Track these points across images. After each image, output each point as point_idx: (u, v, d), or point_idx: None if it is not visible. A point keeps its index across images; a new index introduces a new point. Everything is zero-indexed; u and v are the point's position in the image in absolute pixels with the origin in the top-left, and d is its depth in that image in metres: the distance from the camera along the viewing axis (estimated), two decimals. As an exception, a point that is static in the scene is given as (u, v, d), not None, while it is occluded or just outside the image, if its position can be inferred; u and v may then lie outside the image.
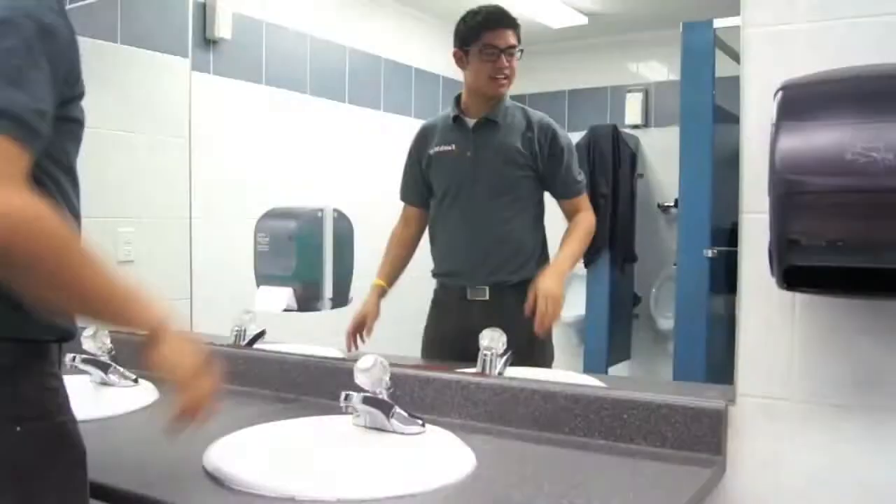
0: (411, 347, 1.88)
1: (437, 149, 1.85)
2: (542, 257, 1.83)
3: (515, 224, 1.80)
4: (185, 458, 1.23)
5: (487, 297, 1.77)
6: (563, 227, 1.81)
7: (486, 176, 1.80)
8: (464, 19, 1.81)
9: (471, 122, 1.82)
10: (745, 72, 1.22)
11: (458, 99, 1.85)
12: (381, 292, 1.91)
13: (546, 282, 1.70)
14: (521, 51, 1.78)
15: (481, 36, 1.77)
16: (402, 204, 1.97)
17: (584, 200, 1.82)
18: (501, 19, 1.78)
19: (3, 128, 0.82)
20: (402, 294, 1.98)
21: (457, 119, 1.84)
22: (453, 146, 1.83)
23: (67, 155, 1.00)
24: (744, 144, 1.23)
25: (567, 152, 1.80)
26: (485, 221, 1.80)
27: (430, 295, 1.90)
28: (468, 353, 1.72)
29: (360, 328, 1.89)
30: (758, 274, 1.20)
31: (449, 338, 1.84)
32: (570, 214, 1.82)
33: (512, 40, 1.77)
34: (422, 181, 1.89)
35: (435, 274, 1.89)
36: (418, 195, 1.92)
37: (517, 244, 1.81)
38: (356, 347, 1.87)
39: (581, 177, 1.83)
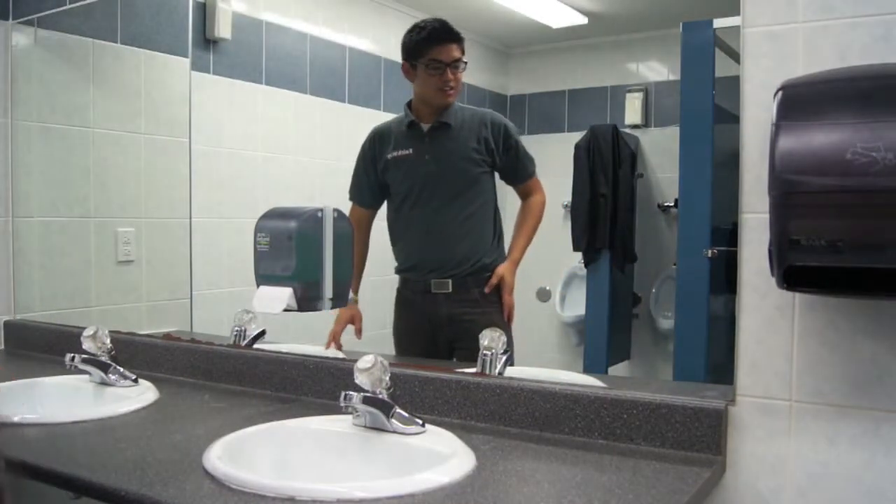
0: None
1: (394, 153, 1.91)
2: (499, 242, 1.92)
3: (476, 218, 1.88)
4: (185, 458, 1.23)
5: (450, 290, 1.85)
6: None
7: (445, 176, 1.87)
8: (409, 34, 1.88)
9: (425, 126, 1.89)
10: (745, 72, 1.22)
11: (409, 105, 1.92)
12: (355, 303, 1.95)
13: (509, 277, 1.84)
14: (466, 63, 1.85)
15: (427, 51, 1.84)
16: None
17: (535, 182, 1.91)
18: (446, 35, 1.84)
19: None
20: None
21: (412, 124, 1.90)
22: (411, 150, 1.90)
23: None
24: (744, 144, 1.23)
25: (518, 143, 1.90)
26: (447, 219, 1.87)
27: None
28: (436, 343, 1.86)
29: (342, 331, 1.93)
30: (758, 274, 1.20)
31: (416, 330, 1.92)
32: (523, 195, 1.92)
33: (457, 54, 1.84)
34: (376, 184, 1.96)
35: (398, 270, 1.96)
36: (371, 197, 1.99)
37: (478, 236, 1.89)
38: (337, 348, 1.91)
39: (532, 161, 1.91)
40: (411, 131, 1.90)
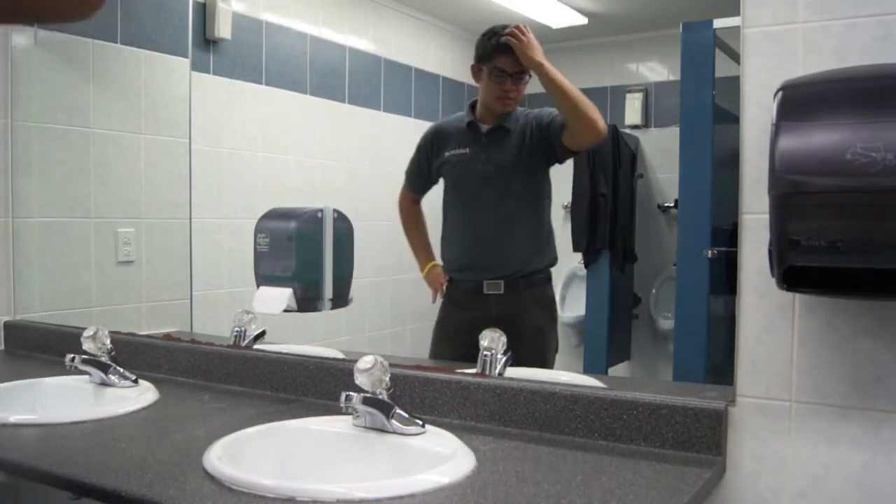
0: (413, 345, 1.91)
1: (451, 152, 1.94)
2: (551, 245, 1.92)
3: (528, 220, 1.90)
4: (185, 458, 1.23)
5: (502, 291, 1.86)
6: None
7: (499, 178, 1.89)
8: (483, 37, 1.88)
9: (484, 127, 1.91)
10: (745, 72, 1.22)
11: (472, 106, 1.94)
12: (437, 269, 2.00)
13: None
14: (530, 76, 1.84)
15: (493, 58, 1.84)
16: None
17: None
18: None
19: None
20: (402, 293, 1.99)
21: (471, 125, 1.91)
22: (467, 150, 1.92)
23: None
24: (744, 144, 1.23)
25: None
26: (501, 220, 1.89)
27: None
28: (478, 344, 1.82)
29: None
30: (758, 274, 1.20)
31: (465, 330, 1.91)
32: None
33: (522, 66, 1.82)
34: (428, 177, 2.01)
35: (447, 270, 1.97)
36: (421, 187, 2.06)
37: (530, 238, 1.91)
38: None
39: None
40: (470, 131, 1.92)
